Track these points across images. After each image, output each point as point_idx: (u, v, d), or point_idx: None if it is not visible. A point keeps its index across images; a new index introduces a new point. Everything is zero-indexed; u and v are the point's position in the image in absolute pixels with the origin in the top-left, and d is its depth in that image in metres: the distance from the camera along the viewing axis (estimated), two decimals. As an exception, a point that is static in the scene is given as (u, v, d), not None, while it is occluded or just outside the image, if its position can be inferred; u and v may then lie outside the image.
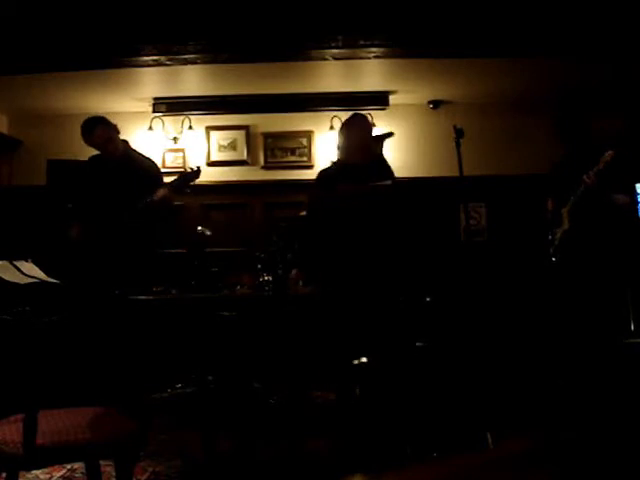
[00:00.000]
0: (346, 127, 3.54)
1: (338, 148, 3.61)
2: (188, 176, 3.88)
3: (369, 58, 4.14)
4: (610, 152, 3.48)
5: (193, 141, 5.56)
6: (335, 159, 3.79)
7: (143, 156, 4.09)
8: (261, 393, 3.62)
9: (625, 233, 3.68)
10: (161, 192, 3.73)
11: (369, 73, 4.81)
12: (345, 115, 5.44)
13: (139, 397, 3.55)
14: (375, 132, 3.86)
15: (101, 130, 3.83)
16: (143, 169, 3.95)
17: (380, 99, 5.29)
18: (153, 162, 4.11)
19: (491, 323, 4.04)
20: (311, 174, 5.53)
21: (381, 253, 3.33)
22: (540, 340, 4.01)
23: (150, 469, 2.80)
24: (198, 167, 3.91)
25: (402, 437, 3.01)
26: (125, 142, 4.02)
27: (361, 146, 3.45)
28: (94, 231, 3.76)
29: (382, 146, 3.60)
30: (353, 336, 3.24)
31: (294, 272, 3.63)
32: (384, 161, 3.57)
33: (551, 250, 3.88)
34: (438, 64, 4.47)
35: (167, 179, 3.98)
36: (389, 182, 3.36)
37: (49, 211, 4.05)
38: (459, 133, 3.20)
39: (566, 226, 3.79)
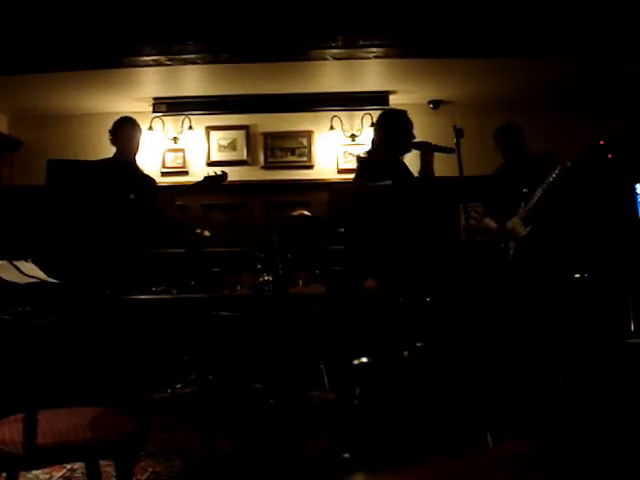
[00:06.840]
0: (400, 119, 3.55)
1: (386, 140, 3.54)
2: (208, 179, 3.91)
3: (369, 58, 4.15)
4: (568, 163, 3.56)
5: (193, 141, 5.56)
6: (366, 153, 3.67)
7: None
8: (261, 393, 3.62)
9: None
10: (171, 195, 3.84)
11: (369, 73, 4.82)
12: (345, 115, 5.51)
13: (139, 397, 3.55)
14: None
15: (137, 129, 3.91)
16: (148, 178, 4.04)
17: (380, 99, 5.29)
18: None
19: (491, 323, 4.03)
20: (311, 174, 5.55)
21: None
22: (540, 340, 4.01)
23: (150, 469, 2.80)
24: (223, 172, 3.92)
25: (402, 437, 3.01)
26: None
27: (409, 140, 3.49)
28: (107, 233, 3.78)
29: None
30: (353, 336, 3.24)
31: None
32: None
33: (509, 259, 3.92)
34: (438, 64, 4.48)
35: (166, 179, 4.00)
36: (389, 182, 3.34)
37: (50, 211, 4.04)
38: (459, 133, 3.19)
39: (523, 233, 3.80)
